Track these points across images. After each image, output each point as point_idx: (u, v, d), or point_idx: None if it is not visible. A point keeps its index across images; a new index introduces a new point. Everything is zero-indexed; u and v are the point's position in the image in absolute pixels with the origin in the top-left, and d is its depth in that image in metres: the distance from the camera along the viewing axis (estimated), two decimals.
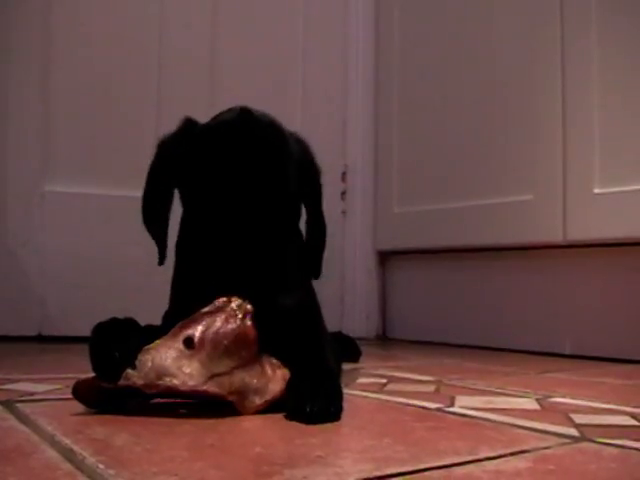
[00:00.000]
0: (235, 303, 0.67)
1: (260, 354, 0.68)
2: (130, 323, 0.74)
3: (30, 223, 1.48)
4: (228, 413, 0.65)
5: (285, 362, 0.70)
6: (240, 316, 0.67)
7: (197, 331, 0.65)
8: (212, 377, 0.64)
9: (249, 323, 0.67)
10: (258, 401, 0.66)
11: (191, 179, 0.80)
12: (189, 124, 0.83)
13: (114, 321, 0.73)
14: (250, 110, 0.81)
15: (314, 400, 0.63)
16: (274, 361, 0.69)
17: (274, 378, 0.67)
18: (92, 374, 0.68)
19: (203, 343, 0.65)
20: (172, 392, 0.64)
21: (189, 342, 0.64)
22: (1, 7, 1.47)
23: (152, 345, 0.64)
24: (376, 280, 1.85)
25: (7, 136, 1.48)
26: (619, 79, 1.31)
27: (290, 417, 0.64)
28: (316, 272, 0.90)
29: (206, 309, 0.67)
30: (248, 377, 0.66)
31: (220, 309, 0.67)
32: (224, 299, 0.68)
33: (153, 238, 0.84)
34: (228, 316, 0.66)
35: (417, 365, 1.23)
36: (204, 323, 0.66)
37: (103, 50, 1.57)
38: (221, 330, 0.65)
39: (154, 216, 0.84)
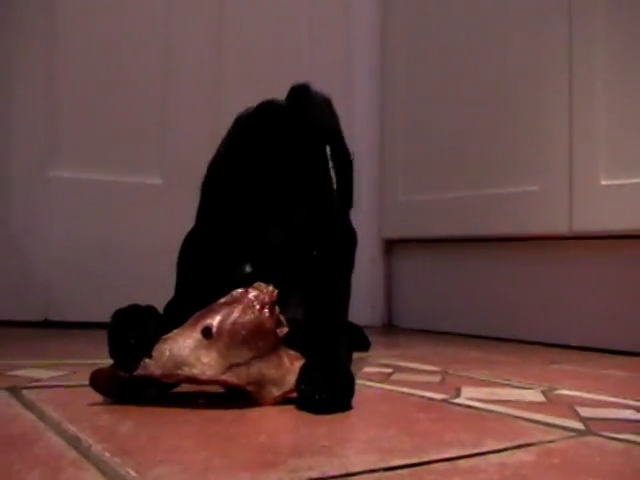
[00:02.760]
0: (252, 294, 0.67)
1: (278, 346, 0.67)
2: (150, 311, 0.74)
3: (35, 208, 1.48)
4: (245, 404, 0.65)
5: (298, 348, 0.70)
6: (257, 307, 0.66)
7: (215, 321, 0.65)
8: (230, 367, 0.64)
9: (267, 314, 0.66)
10: (276, 392, 0.66)
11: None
12: None
13: (134, 308, 0.73)
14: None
15: (325, 390, 0.63)
16: (292, 353, 0.69)
17: (292, 370, 0.67)
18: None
19: (221, 333, 0.64)
20: (191, 382, 0.64)
21: (207, 332, 0.64)
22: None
23: (170, 334, 0.64)
24: (381, 268, 1.85)
25: (12, 121, 1.48)
26: (626, 70, 1.29)
27: (300, 406, 0.64)
28: (348, 202, 0.89)
29: (223, 300, 0.67)
30: (265, 368, 0.66)
31: (237, 300, 0.66)
32: (241, 290, 0.67)
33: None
34: (245, 307, 0.66)
35: (423, 354, 1.23)
36: (222, 313, 0.65)
37: (109, 36, 1.56)
38: (239, 320, 0.65)
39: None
